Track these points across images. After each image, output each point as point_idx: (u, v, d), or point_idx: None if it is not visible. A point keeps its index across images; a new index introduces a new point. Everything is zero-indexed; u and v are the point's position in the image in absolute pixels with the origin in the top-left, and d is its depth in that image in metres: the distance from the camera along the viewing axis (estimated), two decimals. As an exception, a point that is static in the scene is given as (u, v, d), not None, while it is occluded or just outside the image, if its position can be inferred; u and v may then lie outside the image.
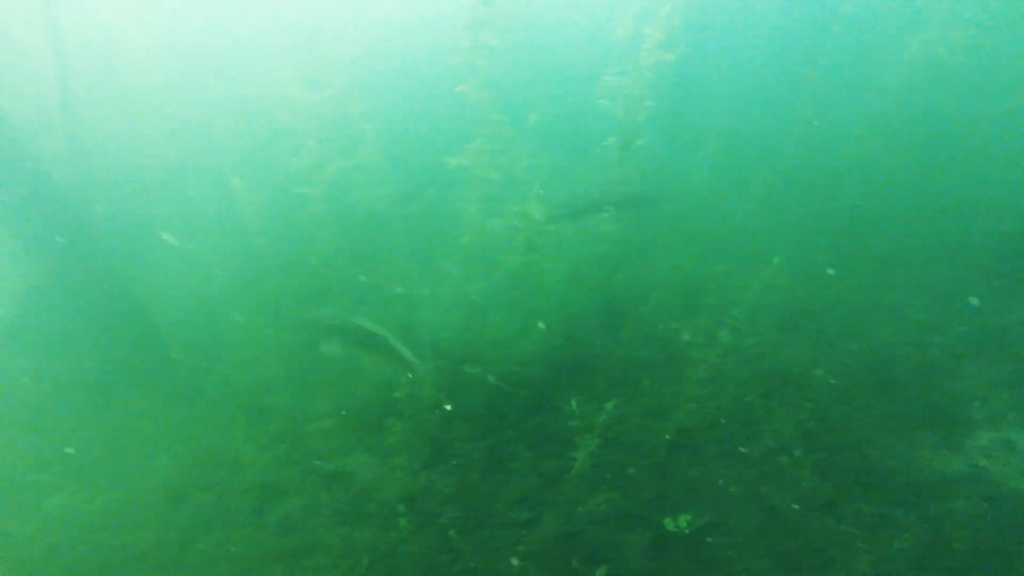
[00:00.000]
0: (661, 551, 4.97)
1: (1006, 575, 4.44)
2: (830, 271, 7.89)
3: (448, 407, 6.13)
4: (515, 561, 4.81)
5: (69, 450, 7.00)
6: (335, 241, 6.83)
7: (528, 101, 5.64)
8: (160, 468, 6.69)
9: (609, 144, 6.15)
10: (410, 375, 5.75)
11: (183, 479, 6.48)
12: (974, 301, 7.03)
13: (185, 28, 9.56)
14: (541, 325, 6.55)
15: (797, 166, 8.00)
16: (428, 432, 6.33)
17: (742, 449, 5.93)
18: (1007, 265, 8.10)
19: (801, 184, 8.69)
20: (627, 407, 6.54)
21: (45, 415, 7.77)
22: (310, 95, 6.13)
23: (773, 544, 4.96)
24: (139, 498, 6.35)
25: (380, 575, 5.08)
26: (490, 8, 4.30)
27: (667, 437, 5.99)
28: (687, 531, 5.10)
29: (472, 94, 4.66)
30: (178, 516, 6.03)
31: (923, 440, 5.82)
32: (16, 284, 8.65)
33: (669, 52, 5.59)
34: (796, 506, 5.27)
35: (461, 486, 5.84)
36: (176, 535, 5.78)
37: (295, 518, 5.76)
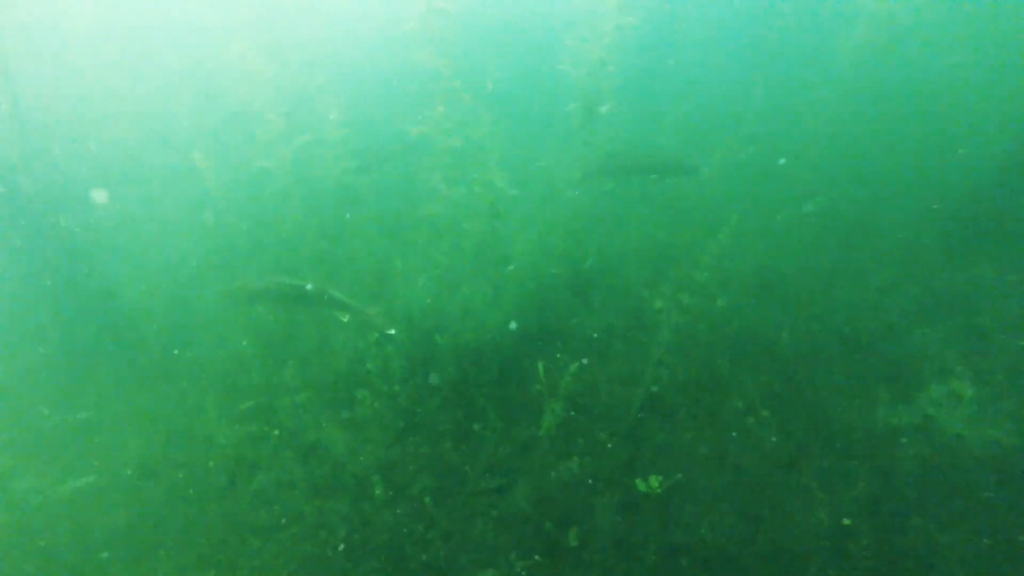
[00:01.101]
0: (632, 511, 5.12)
1: (948, 516, 4.69)
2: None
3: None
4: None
5: (39, 430, 6.92)
6: (303, 214, 6.74)
7: (487, 66, 5.57)
8: (132, 448, 6.62)
9: (571, 110, 6.14)
10: (345, 318, 5.84)
11: (156, 458, 6.43)
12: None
13: (138, 3, 9.14)
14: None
15: (760, 129, 8.11)
16: (400, 403, 6.38)
17: (711, 411, 6.10)
18: (962, 228, 8.36)
19: (764, 148, 8.83)
20: (599, 373, 6.65)
21: (12, 397, 7.64)
22: (270, 68, 5.98)
23: (739, 501, 5.15)
24: (111, 478, 6.30)
25: (356, 545, 5.16)
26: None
27: (637, 402, 6.12)
28: (658, 491, 5.25)
29: (429, 61, 4.60)
30: (152, 494, 6.00)
31: (879, 396, 6.06)
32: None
33: (630, 16, 5.57)
34: (761, 464, 5.47)
35: (434, 455, 5.92)
36: (150, 513, 5.77)
37: (269, 492, 5.78)
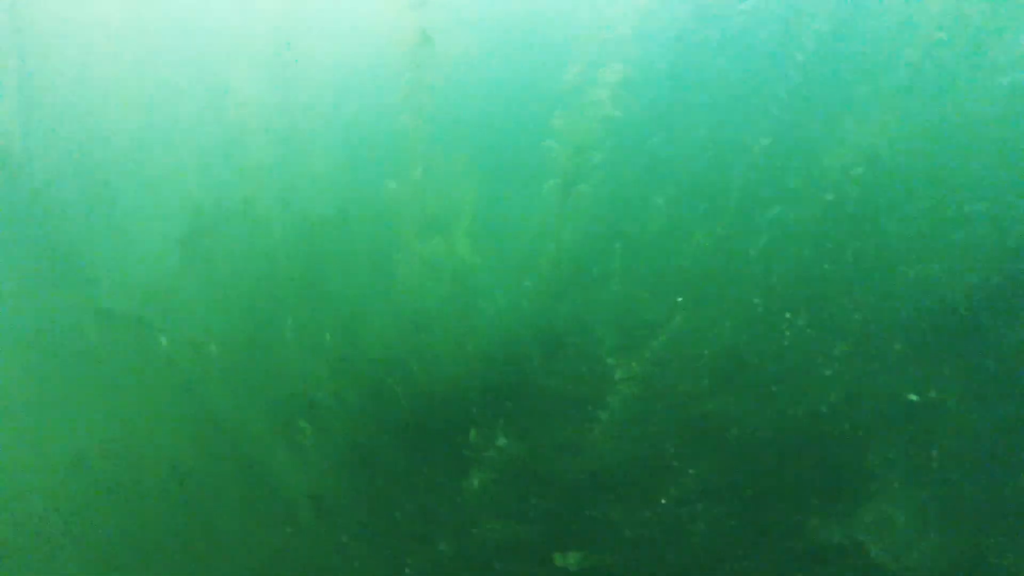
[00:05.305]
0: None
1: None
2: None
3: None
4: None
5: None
6: (285, 245, 6.88)
7: (468, 138, 5.77)
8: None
9: (551, 186, 6.34)
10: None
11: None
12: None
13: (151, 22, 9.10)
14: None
15: (741, 225, 8.23)
16: (346, 436, 6.44)
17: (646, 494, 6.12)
18: (929, 344, 8.39)
19: (744, 242, 8.95)
20: (545, 438, 6.69)
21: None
22: (267, 97, 6.25)
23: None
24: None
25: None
26: (431, 50, 4.47)
27: (576, 474, 6.15)
28: (574, 569, 5.27)
29: (413, 127, 4.81)
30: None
31: (815, 508, 6.06)
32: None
33: (617, 109, 5.79)
34: (682, 559, 5.48)
35: (368, 492, 5.96)
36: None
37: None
